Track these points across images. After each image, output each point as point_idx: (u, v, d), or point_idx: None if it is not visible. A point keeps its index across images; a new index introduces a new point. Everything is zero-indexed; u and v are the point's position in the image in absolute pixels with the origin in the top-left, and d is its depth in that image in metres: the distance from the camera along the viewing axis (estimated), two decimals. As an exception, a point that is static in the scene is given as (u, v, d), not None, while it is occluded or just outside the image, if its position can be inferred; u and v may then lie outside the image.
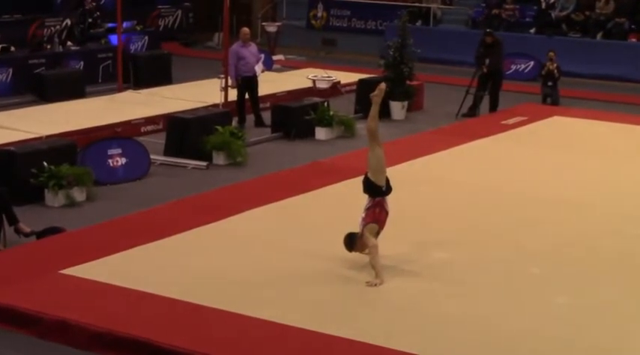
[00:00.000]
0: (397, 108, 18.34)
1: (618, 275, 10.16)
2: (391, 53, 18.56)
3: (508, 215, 12.23)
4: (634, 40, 23.20)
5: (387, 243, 10.44)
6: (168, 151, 14.93)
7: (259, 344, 8.17)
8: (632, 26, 23.34)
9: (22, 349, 8.32)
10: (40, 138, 14.36)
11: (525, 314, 9.00)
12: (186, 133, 14.98)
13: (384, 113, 18.26)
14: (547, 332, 8.59)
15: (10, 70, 19.24)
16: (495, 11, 24.72)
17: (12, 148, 12.98)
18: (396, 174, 13.86)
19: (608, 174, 14.35)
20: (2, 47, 19.74)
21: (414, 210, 12.26)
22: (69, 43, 21.02)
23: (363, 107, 18.44)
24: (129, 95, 18.92)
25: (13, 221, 10.82)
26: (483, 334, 8.48)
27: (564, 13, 24.22)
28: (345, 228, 11.24)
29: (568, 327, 8.76)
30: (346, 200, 12.71)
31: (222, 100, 16.98)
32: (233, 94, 17.19)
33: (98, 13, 22.28)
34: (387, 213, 10.02)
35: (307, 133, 16.62)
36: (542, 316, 8.95)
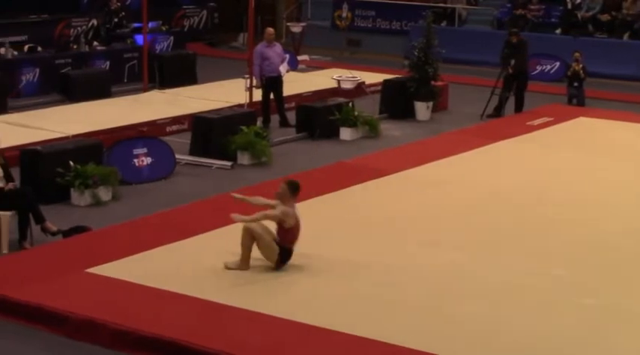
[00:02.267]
0: (422, 109, 18.31)
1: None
2: (416, 54, 18.53)
3: (532, 216, 12.17)
4: (661, 41, 23.13)
5: (409, 243, 10.45)
6: (194, 151, 14.97)
7: (282, 344, 8.18)
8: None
9: (50, 348, 8.36)
10: (66, 138, 14.41)
11: (548, 315, 8.95)
12: (211, 133, 15.00)
13: (409, 114, 18.29)
14: (571, 333, 8.57)
15: (37, 70, 19.33)
16: (521, 11, 24.63)
17: (38, 148, 13.00)
18: (420, 175, 13.98)
19: (634, 176, 14.28)
20: (29, 47, 19.86)
21: (438, 211, 12.27)
22: (95, 42, 21.10)
23: (387, 107, 18.45)
24: (154, 95, 18.99)
25: (40, 220, 10.88)
26: (504, 335, 8.45)
27: (590, 13, 24.10)
28: (368, 229, 11.29)
29: (593, 329, 8.73)
30: (371, 200, 12.76)
31: (247, 100, 16.98)
32: (258, 94, 17.19)
33: (124, 13, 22.37)
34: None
35: (332, 133, 16.60)
36: (566, 317, 8.92)
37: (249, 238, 9.79)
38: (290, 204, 9.91)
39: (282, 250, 9.87)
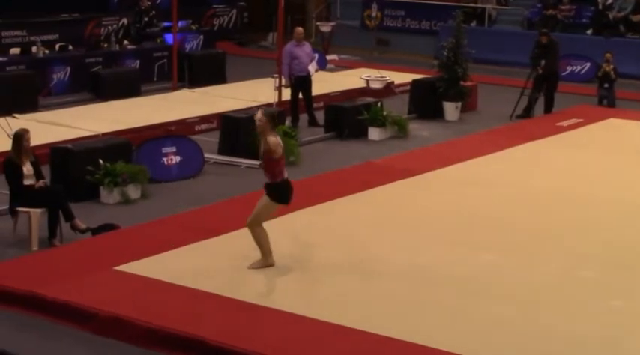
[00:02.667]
0: (451, 109, 18.29)
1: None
2: (445, 54, 18.51)
3: (561, 217, 12.12)
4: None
5: (438, 243, 10.42)
6: (222, 150, 15.01)
7: (311, 343, 8.19)
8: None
9: (77, 344, 8.40)
10: (96, 136, 14.50)
11: (577, 316, 8.94)
12: (239, 132, 15.03)
13: (438, 114, 18.26)
14: (600, 334, 8.54)
15: (68, 69, 19.46)
16: (551, 12, 24.52)
17: (69, 146, 13.09)
18: (449, 175, 13.96)
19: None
20: (60, 46, 19.98)
21: (467, 211, 12.24)
22: (125, 41, 21.21)
23: (416, 107, 18.43)
24: (183, 94, 19.07)
25: (70, 217, 10.95)
26: (534, 337, 8.42)
27: (622, 14, 23.96)
28: (397, 228, 11.26)
29: (620, 331, 8.69)
30: (399, 200, 12.75)
31: (276, 100, 16.98)
32: (287, 94, 17.23)
33: (154, 13, 22.46)
34: None
35: (360, 133, 16.59)
36: (595, 319, 8.89)
37: (257, 232, 9.79)
38: (273, 134, 9.79)
39: (279, 187, 9.82)
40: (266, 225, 9.97)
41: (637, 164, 14.93)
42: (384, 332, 8.33)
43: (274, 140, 9.75)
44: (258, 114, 9.84)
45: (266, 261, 9.85)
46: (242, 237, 10.12)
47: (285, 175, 9.91)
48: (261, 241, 9.82)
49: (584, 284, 9.82)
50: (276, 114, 10.23)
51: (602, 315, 9.01)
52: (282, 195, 9.85)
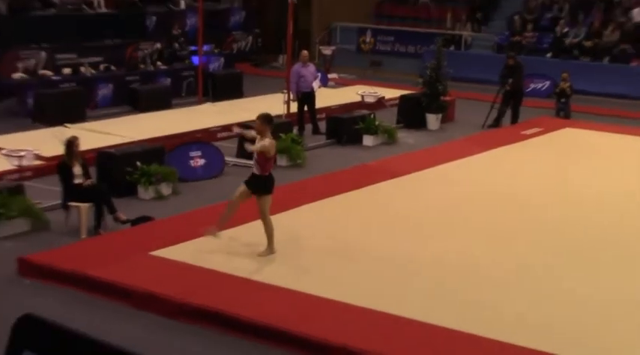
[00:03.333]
0: (432, 120, 18.31)
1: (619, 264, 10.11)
2: (428, 73, 18.53)
3: (523, 210, 12.14)
4: (635, 64, 22.94)
5: (420, 232, 10.42)
6: (240, 154, 14.97)
7: (305, 314, 8.23)
8: (635, 52, 23.08)
9: (118, 317, 8.47)
10: (134, 142, 14.54)
11: (536, 299, 9.00)
12: (254, 139, 15.01)
13: (422, 124, 18.29)
14: (554, 314, 8.60)
15: (111, 86, 19.52)
16: (517, 38, 24.54)
17: (112, 150, 13.15)
18: (431, 175, 13.98)
19: (614, 176, 14.22)
20: (104, 66, 20.05)
21: (446, 206, 12.29)
22: (159, 63, 21.23)
23: (403, 118, 18.45)
24: (207, 107, 19.09)
25: (112, 210, 11.01)
26: (494, 309, 8.47)
27: (576, 40, 23.98)
28: (387, 221, 11.28)
29: (572, 310, 8.75)
30: (389, 196, 12.79)
31: (285, 112, 17.03)
32: (294, 107, 17.27)
33: (183, 39, 22.47)
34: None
35: (356, 140, 16.60)
36: (548, 300, 8.95)
37: (268, 223, 9.81)
38: (268, 135, 9.81)
39: (267, 180, 9.81)
40: (280, 216, 10.01)
41: (588, 165, 14.99)
42: (371, 306, 8.42)
43: (271, 142, 9.79)
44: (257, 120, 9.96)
45: (271, 249, 9.88)
46: (256, 228, 10.16)
47: (271, 171, 9.93)
48: (270, 232, 9.85)
49: (536, 268, 9.86)
50: (271, 116, 10.16)
51: (555, 296, 9.08)
52: (267, 186, 9.83)
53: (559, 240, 10.91)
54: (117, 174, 12.47)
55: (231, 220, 10.11)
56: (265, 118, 9.94)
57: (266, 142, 9.71)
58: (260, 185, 9.80)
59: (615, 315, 8.63)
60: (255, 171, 9.83)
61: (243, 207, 10.48)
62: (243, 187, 9.90)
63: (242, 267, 9.47)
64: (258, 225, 10.09)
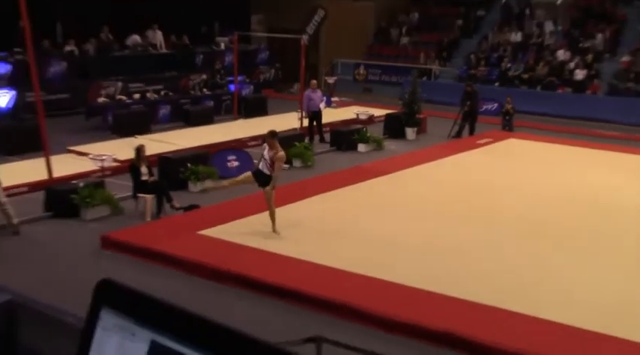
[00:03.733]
0: (410, 132, 18.25)
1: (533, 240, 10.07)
2: (406, 97, 18.48)
3: (480, 198, 12.09)
4: (561, 91, 22.87)
5: (401, 217, 10.35)
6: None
7: (310, 278, 8.18)
8: (560, 82, 23.04)
9: (174, 280, 8.48)
10: (185, 149, 14.54)
11: (491, 264, 8.93)
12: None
13: (402, 135, 18.25)
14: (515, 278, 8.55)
15: (169, 107, 19.51)
16: (473, 71, 24.48)
17: (169, 155, 13.19)
18: (409, 174, 13.93)
19: (545, 173, 14.16)
20: (165, 93, 20.06)
21: (421, 196, 12.25)
22: (204, 89, 21.23)
23: (388, 131, 18.40)
24: (240, 122, 19.08)
25: (169, 200, 11.02)
26: (465, 274, 8.42)
27: (517, 73, 23.88)
28: (378, 208, 11.22)
29: (528, 276, 8.71)
30: (378, 190, 12.76)
31: (299, 126, 17.04)
32: (306, 122, 17.23)
33: (222, 71, 22.48)
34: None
35: (353, 147, 16.55)
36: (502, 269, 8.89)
37: (273, 209, 9.80)
38: (277, 146, 9.77)
39: (271, 177, 9.73)
40: (295, 205, 9.99)
41: (527, 165, 14.92)
42: (359, 271, 8.38)
43: (283, 154, 9.79)
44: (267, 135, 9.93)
45: (275, 228, 9.84)
46: (281, 212, 10.14)
47: None
48: (274, 216, 9.82)
49: (494, 244, 9.85)
50: (276, 132, 10.11)
51: (500, 264, 9.04)
52: (270, 182, 9.79)
53: (499, 220, 10.87)
54: (173, 172, 12.48)
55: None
56: (272, 134, 9.94)
57: (282, 154, 9.71)
58: (268, 181, 9.79)
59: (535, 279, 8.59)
60: (267, 171, 9.80)
61: (275, 197, 10.52)
62: (265, 188, 9.81)
63: (267, 243, 9.46)
64: (281, 213, 10.10)
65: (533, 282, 8.42)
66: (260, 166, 9.95)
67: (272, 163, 9.75)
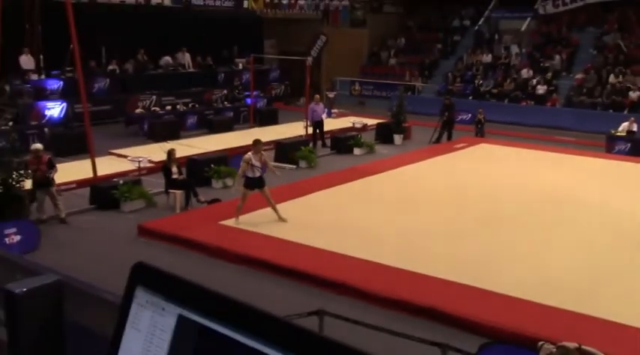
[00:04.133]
0: (397, 138, 18.20)
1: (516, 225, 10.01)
2: (394, 108, 18.45)
3: (454, 194, 12.00)
4: (524, 103, 22.81)
5: (391, 209, 10.29)
6: (277, 159, 14.96)
7: (310, 257, 8.15)
8: (524, 96, 22.97)
9: (198, 262, 8.44)
10: (209, 152, 14.49)
11: (464, 245, 8.88)
12: (285, 150, 15.03)
13: (391, 140, 18.21)
14: (478, 257, 8.49)
15: (195, 117, 19.46)
16: (451, 87, 24.41)
17: (196, 157, 13.15)
18: (398, 173, 13.89)
19: (512, 172, 14.10)
20: (192, 105, 20.05)
21: (408, 192, 12.19)
22: (225, 102, 21.22)
23: (379, 137, 18.34)
24: (256, 130, 18.99)
25: (196, 195, 11.02)
26: (447, 256, 8.36)
27: (488, 88, 23.83)
28: (370, 202, 11.16)
29: (495, 255, 8.65)
30: (370, 187, 12.72)
31: (304, 133, 17.00)
32: (310, 130, 17.18)
33: (241, 87, 22.48)
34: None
35: (349, 151, 16.49)
36: (477, 247, 8.83)
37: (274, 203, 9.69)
38: (261, 150, 9.77)
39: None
40: (301, 199, 9.94)
41: (496, 166, 14.82)
42: (355, 254, 8.34)
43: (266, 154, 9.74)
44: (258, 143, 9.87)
45: (280, 216, 9.73)
46: (291, 206, 10.10)
47: None
48: (276, 207, 9.77)
49: (467, 231, 9.78)
50: (260, 141, 10.06)
51: (475, 248, 9.00)
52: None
53: (477, 211, 10.79)
54: (199, 172, 12.44)
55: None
56: (258, 142, 9.93)
57: (265, 156, 9.78)
58: (264, 183, 9.78)
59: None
60: (260, 174, 9.71)
61: (282, 193, 10.46)
62: (248, 191, 9.67)
63: (277, 231, 9.43)
64: (289, 205, 10.06)
65: (505, 264, 8.38)
66: (250, 175, 9.71)
67: (264, 164, 9.68)
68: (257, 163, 9.60)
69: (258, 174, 9.71)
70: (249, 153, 9.78)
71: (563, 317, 6.84)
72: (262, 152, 9.75)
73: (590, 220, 10.54)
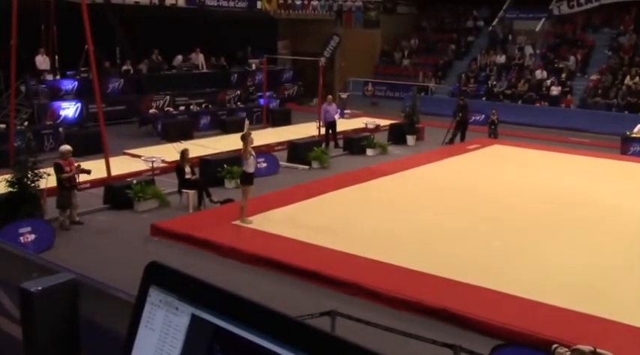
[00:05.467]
0: (410, 139, 18.15)
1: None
2: (407, 109, 18.40)
3: (467, 194, 11.93)
4: (538, 104, 22.66)
5: (404, 210, 10.26)
6: (289, 159, 15.01)
7: (310, 252, 8.14)
8: (538, 97, 22.80)
9: (213, 262, 8.47)
10: (222, 152, 14.52)
11: (472, 248, 8.83)
12: (298, 150, 15.03)
13: (404, 141, 18.17)
14: (488, 261, 8.45)
15: (208, 117, 19.52)
16: (464, 88, 24.30)
17: (208, 157, 13.21)
18: (410, 174, 13.85)
19: (524, 173, 14.00)
20: (205, 105, 20.13)
21: (420, 192, 12.15)
22: (238, 103, 21.28)
23: (392, 138, 18.31)
24: (269, 130, 19.04)
25: (208, 195, 11.05)
26: (448, 257, 8.32)
27: (501, 89, 23.69)
28: (383, 203, 11.14)
29: (501, 260, 8.62)
30: (384, 188, 12.70)
31: (317, 134, 16.99)
32: (323, 131, 17.14)
33: (254, 87, 22.54)
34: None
35: (362, 152, 16.46)
36: (483, 251, 8.81)
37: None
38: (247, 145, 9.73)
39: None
40: (314, 199, 9.93)
41: (510, 167, 14.73)
42: (368, 255, 8.31)
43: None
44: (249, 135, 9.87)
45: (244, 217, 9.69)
46: (303, 206, 10.10)
47: None
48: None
49: (479, 230, 9.73)
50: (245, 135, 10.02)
51: (487, 250, 8.95)
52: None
53: (489, 212, 10.74)
54: (212, 172, 12.48)
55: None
56: (246, 135, 9.92)
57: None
58: (247, 178, 9.73)
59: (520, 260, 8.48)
60: (254, 170, 9.71)
61: (293, 194, 10.45)
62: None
63: (288, 231, 9.42)
64: (302, 206, 10.06)
65: (517, 266, 8.33)
66: (250, 170, 9.75)
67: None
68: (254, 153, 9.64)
69: (252, 170, 9.73)
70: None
71: (578, 320, 6.78)
72: (249, 142, 9.69)
73: (604, 222, 10.44)
